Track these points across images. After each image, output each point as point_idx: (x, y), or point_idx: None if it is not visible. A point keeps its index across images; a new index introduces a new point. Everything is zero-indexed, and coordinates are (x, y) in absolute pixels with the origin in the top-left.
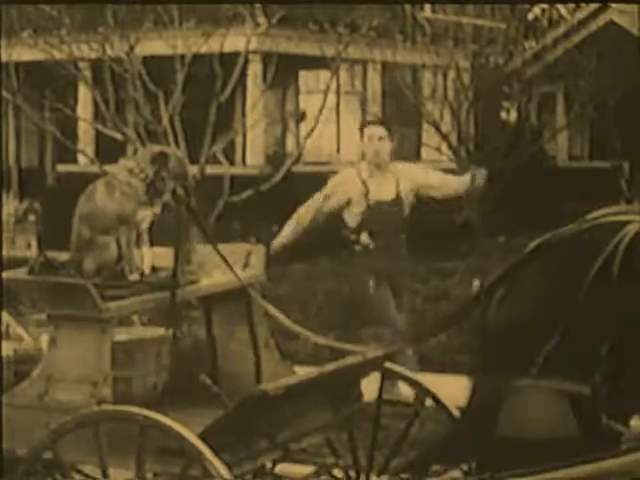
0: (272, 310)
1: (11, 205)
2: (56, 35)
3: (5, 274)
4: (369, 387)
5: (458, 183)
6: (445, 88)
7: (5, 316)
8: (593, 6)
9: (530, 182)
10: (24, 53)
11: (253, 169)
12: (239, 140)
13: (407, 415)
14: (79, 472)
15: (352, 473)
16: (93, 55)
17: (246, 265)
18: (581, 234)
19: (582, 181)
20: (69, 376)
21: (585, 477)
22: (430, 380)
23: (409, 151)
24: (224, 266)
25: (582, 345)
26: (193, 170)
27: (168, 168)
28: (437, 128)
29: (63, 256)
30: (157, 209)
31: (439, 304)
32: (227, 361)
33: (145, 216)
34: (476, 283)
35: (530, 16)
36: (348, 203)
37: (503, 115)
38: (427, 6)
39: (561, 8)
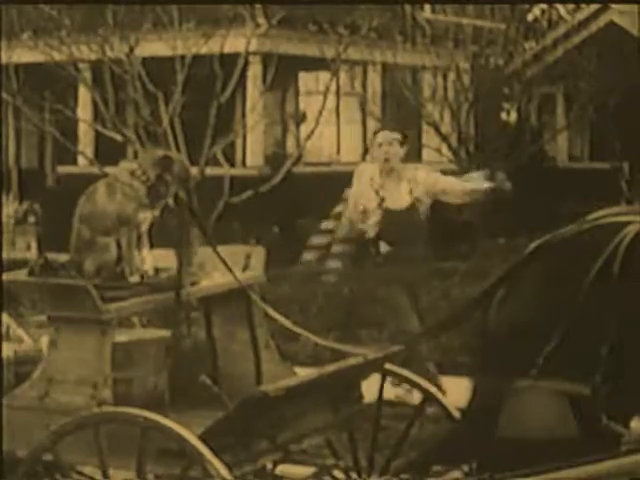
0: (272, 312)
1: (11, 206)
2: (56, 36)
3: (5, 276)
4: (370, 388)
5: (472, 188)
6: (445, 89)
7: (5, 318)
8: (593, 7)
9: (530, 183)
10: (24, 55)
11: (253, 170)
12: (239, 141)
13: (407, 416)
14: (79, 473)
15: (353, 474)
16: (93, 56)
17: (246, 267)
18: (581, 235)
19: (582, 182)
20: (69, 377)
21: (585, 478)
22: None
23: (409, 152)
24: (224, 267)
25: (582, 346)
26: (193, 171)
27: (172, 172)
28: (437, 129)
29: (63, 257)
30: (157, 211)
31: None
32: (227, 362)
33: (145, 218)
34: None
35: (530, 17)
36: (365, 214)
37: (503, 116)
38: (427, 7)
39: (561, 9)
